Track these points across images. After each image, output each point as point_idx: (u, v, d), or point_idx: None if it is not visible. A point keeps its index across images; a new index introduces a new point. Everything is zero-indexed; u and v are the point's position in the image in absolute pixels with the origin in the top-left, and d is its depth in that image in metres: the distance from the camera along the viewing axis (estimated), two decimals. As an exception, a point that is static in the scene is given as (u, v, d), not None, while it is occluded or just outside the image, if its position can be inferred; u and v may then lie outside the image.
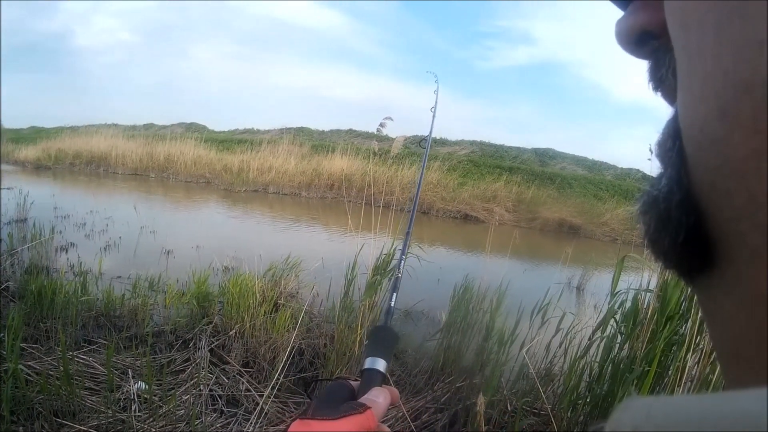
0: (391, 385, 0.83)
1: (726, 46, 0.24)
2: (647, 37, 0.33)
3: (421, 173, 1.64)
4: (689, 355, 2.96)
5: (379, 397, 0.75)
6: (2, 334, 3.62)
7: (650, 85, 0.34)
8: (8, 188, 11.94)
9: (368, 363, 0.84)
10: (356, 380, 0.83)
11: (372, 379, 0.82)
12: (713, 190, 0.26)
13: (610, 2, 0.37)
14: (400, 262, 1.26)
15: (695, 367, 2.98)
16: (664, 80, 0.32)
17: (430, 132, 1.79)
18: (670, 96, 0.31)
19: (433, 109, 1.91)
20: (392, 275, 1.11)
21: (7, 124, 38.20)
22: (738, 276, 0.26)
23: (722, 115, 0.24)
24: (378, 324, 0.98)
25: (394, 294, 1.11)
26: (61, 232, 9.18)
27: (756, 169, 0.23)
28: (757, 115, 0.22)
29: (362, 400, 0.73)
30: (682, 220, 0.28)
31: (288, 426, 0.67)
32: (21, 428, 3.10)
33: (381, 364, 0.84)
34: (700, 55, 0.26)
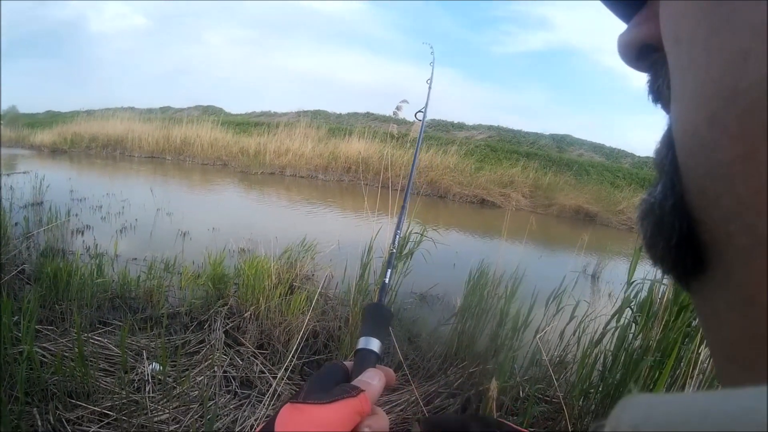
0: (389, 365, 0.82)
1: (714, 56, 0.25)
2: (648, 50, 0.35)
3: (417, 148, 1.61)
4: (701, 347, 2.96)
5: (373, 379, 0.73)
6: (18, 317, 3.65)
7: (650, 97, 0.36)
8: (24, 172, 12.07)
9: (362, 343, 0.83)
10: (350, 361, 0.81)
11: (366, 359, 0.80)
12: (703, 195, 0.27)
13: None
14: (395, 237, 1.23)
15: (707, 360, 2.97)
16: (661, 92, 0.33)
17: (426, 105, 1.77)
18: (668, 107, 0.32)
19: (429, 81, 1.89)
20: (389, 252, 1.09)
21: (23, 109, 38.76)
22: (728, 278, 0.26)
23: (711, 122, 0.25)
24: (372, 301, 0.97)
25: (389, 270, 1.09)
26: (77, 215, 9.26)
27: (742, 172, 0.24)
28: (743, 121, 0.23)
29: (356, 382, 0.72)
30: (675, 225, 0.29)
31: (278, 410, 0.65)
32: (35, 409, 3.12)
33: (375, 344, 0.83)
34: (691, 66, 0.27)
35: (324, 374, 0.74)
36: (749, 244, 0.24)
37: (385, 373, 0.77)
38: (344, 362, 0.80)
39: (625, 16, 0.37)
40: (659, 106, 0.34)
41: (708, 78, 0.25)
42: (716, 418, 0.18)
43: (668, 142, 0.30)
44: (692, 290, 0.31)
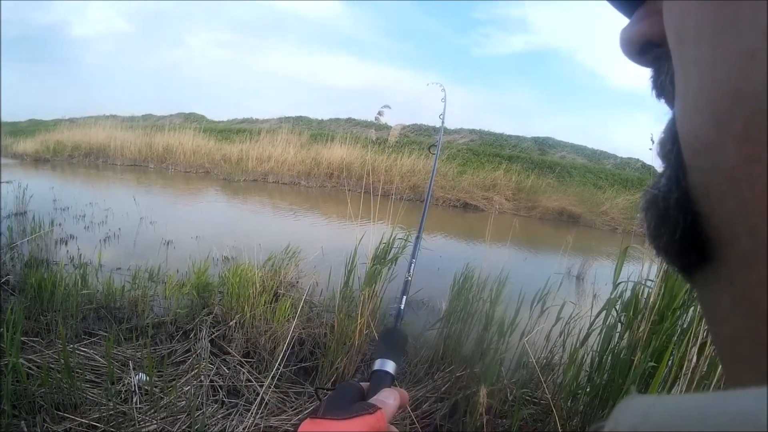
0: (399, 386, 0.85)
1: (719, 57, 0.25)
2: (650, 45, 0.34)
3: (431, 179, 1.65)
4: (690, 347, 2.96)
5: (389, 399, 0.76)
6: (2, 328, 3.63)
7: (653, 92, 0.35)
8: (7, 181, 11.95)
9: (378, 364, 0.87)
10: (366, 382, 0.85)
11: (382, 380, 0.84)
12: (708, 194, 0.27)
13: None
14: (410, 266, 1.28)
15: (693, 359, 2.98)
16: (664, 88, 0.33)
17: (440, 139, 1.80)
18: (672, 103, 0.32)
19: (441, 116, 1.93)
20: (403, 278, 1.15)
21: (6, 118, 38.19)
22: (732, 278, 0.26)
23: (716, 123, 0.25)
24: (388, 326, 1.02)
25: (404, 297, 1.15)
26: (60, 224, 9.18)
27: (747, 175, 0.24)
28: (748, 124, 0.23)
29: (372, 401, 0.75)
30: (679, 219, 0.29)
31: (298, 425, 0.68)
32: (23, 422, 3.10)
33: (390, 366, 0.87)
34: (696, 66, 0.27)
35: (341, 393, 0.78)
36: (752, 247, 0.24)
37: (400, 394, 0.80)
38: (360, 382, 0.83)
39: (627, 10, 0.37)
40: (662, 101, 0.34)
41: (713, 78, 0.25)
42: (715, 419, 0.19)
43: (673, 136, 0.30)
44: (695, 282, 0.31)
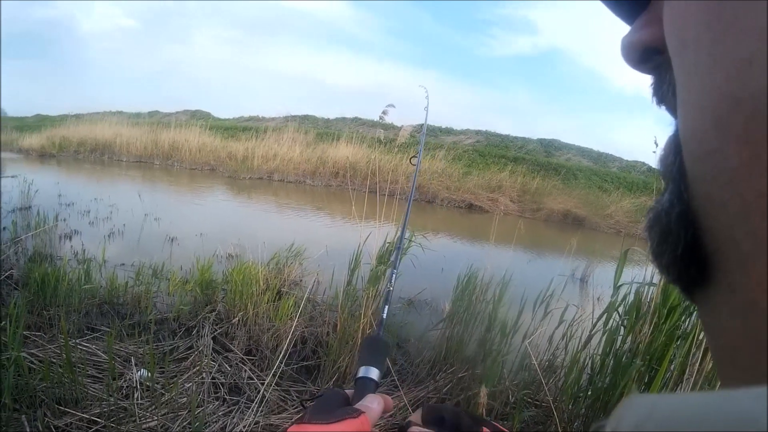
0: (383, 392, 0.86)
1: (718, 62, 0.25)
2: (651, 52, 0.34)
3: (411, 193, 1.65)
4: (692, 350, 2.96)
5: (373, 403, 0.78)
6: (5, 322, 3.63)
7: (653, 99, 0.35)
8: (13, 176, 11.97)
9: (362, 372, 0.90)
10: (351, 389, 0.87)
11: (366, 386, 0.87)
12: (710, 201, 0.27)
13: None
14: (392, 276, 1.32)
15: (697, 363, 2.97)
16: (666, 96, 0.33)
17: (420, 151, 1.80)
18: (673, 111, 0.32)
19: (422, 128, 1.94)
20: (384, 288, 1.21)
21: (12, 113, 38.43)
22: (732, 285, 0.26)
23: (716, 128, 0.25)
24: (371, 335, 1.04)
25: (386, 306, 1.19)
26: (65, 219, 9.22)
27: (748, 177, 0.24)
28: (748, 127, 0.23)
29: (357, 406, 0.77)
30: (681, 233, 0.29)
31: (284, 431, 0.69)
32: (24, 416, 3.10)
33: (374, 373, 0.89)
34: (696, 72, 0.27)
35: (326, 399, 0.80)
36: (752, 248, 0.24)
37: (384, 399, 0.83)
38: (345, 390, 0.85)
39: (628, 18, 0.37)
40: (663, 108, 0.34)
41: (713, 83, 0.25)
42: (717, 417, 0.18)
43: (675, 149, 0.31)
44: (696, 300, 0.31)
